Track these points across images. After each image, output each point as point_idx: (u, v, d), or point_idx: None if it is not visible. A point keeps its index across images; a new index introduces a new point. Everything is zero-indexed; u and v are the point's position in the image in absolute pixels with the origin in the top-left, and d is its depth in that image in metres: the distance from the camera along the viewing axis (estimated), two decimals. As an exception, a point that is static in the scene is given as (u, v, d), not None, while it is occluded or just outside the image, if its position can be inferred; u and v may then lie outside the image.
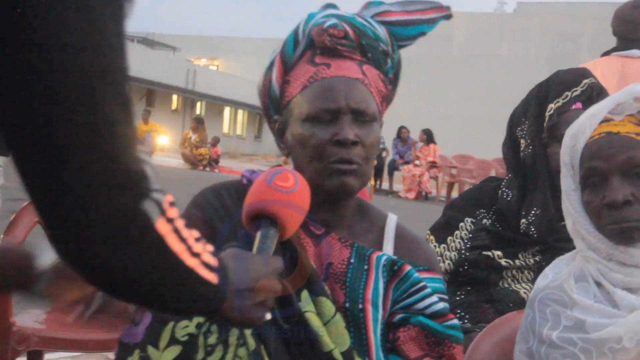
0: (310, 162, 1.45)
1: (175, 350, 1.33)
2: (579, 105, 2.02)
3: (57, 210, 0.85)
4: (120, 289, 0.95)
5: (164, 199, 0.92)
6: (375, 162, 1.56)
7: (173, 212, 0.93)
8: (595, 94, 2.03)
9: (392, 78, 1.56)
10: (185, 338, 1.33)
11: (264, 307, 1.15)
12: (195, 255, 0.97)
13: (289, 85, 1.51)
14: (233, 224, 1.43)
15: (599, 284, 1.44)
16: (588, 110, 1.48)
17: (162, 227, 0.91)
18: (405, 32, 1.54)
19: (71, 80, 0.81)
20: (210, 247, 1.02)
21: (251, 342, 1.36)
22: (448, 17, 1.56)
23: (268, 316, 1.18)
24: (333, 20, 1.48)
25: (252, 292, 1.11)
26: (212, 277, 1.00)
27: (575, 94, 2.03)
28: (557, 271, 1.51)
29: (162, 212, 0.91)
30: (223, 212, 1.47)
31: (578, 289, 1.45)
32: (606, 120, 1.44)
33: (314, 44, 1.50)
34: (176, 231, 0.93)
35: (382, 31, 1.50)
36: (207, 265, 0.99)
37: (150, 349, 1.34)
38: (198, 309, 1.07)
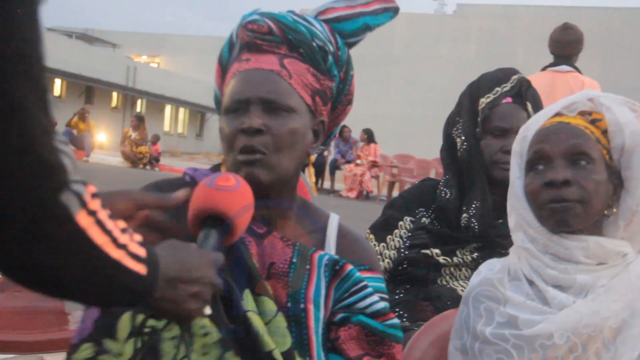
0: (227, 154, 1.47)
1: (138, 341, 1.31)
2: (509, 99, 2.08)
3: None
4: (43, 285, 0.92)
5: (85, 190, 0.88)
6: (313, 159, 1.56)
7: (95, 204, 0.90)
8: (525, 88, 2.08)
9: (342, 76, 1.56)
10: (148, 329, 1.31)
11: (199, 299, 1.13)
12: (121, 246, 0.94)
13: (224, 85, 1.53)
14: (177, 217, 1.41)
15: (531, 282, 1.46)
16: (545, 108, 1.54)
17: (83, 219, 0.87)
18: (350, 27, 1.54)
19: None
20: (138, 237, 0.99)
21: (215, 332, 1.35)
22: (394, 10, 1.56)
23: (207, 311, 1.16)
24: (254, 17, 1.49)
25: (186, 283, 1.09)
26: (139, 268, 0.97)
27: (505, 89, 2.09)
28: (491, 268, 1.54)
29: (83, 204, 0.87)
30: None
31: (511, 286, 1.48)
32: (559, 114, 1.49)
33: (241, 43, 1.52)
34: (99, 223, 0.90)
35: (320, 28, 1.50)
36: (135, 256, 0.96)
37: (108, 342, 1.32)
38: (126, 300, 1.03)
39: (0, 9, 0.78)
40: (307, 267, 1.47)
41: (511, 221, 1.52)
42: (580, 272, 1.42)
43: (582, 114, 1.48)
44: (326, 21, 1.53)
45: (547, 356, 1.40)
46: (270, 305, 1.42)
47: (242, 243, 1.43)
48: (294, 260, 1.47)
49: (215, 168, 1.56)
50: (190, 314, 1.13)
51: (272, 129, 1.43)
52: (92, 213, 0.89)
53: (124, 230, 0.96)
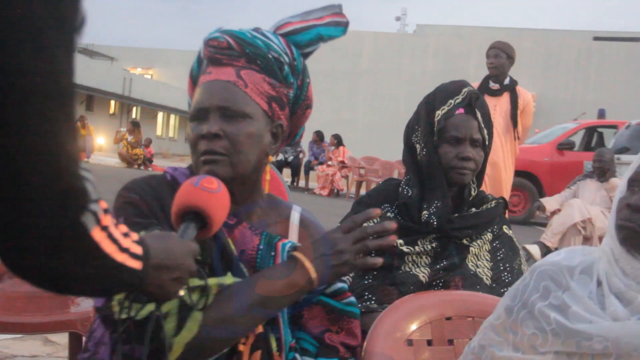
0: (192, 156, 1.48)
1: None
2: (461, 110, 2.08)
3: (0, 222, 0.82)
4: (57, 288, 0.95)
5: (99, 207, 0.91)
6: (271, 159, 1.55)
7: (107, 220, 0.93)
8: (474, 100, 2.09)
9: (299, 83, 1.55)
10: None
11: (179, 282, 1.16)
12: (124, 250, 0.97)
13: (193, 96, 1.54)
14: (163, 209, 1.41)
15: (599, 283, 1.36)
16: None
17: (97, 234, 0.90)
18: (304, 38, 1.54)
19: (23, 104, 0.78)
20: (135, 237, 1.02)
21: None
22: (344, 24, 1.55)
23: (182, 292, 1.20)
24: (215, 34, 1.50)
25: (169, 269, 1.12)
26: (137, 265, 1.00)
27: (457, 101, 2.09)
28: (571, 255, 1.42)
29: (98, 221, 0.90)
30: (152, 194, 1.44)
31: (579, 279, 1.37)
32: None
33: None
34: (109, 236, 0.93)
35: (277, 42, 1.51)
36: (134, 255, 1.00)
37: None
38: (122, 290, 1.11)
39: (40, 46, 0.79)
40: (272, 253, 1.47)
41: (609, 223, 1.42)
42: None
43: None
44: (283, 35, 1.53)
45: (581, 349, 1.30)
46: None
47: (222, 234, 1.44)
48: (261, 247, 1.47)
49: (189, 168, 1.55)
50: (169, 295, 1.17)
51: (228, 133, 1.44)
52: (105, 228, 0.92)
53: (125, 235, 0.99)
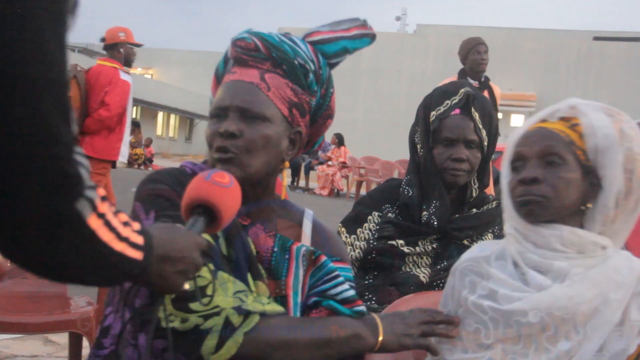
0: (208, 152, 1.48)
1: None
2: (457, 111, 2.08)
3: None
4: (56, 275, 0.95)
5: (96, 194, 0.91)
6: (288, 164, 1.55)
7: (104, 207, 0.92)
8: (471, 100, 2.08)
9: (322, 92, 1.55)
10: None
11: (184, 275, 1.15)
12: (123, 239, 0.97)
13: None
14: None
15: (515, 264, 1.45)
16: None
17: (93, 222, 0.90)
18: (331, 49, 1.54)
19: (16, 92, 0.79)
20: (137, 226, 1.02)
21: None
22: (371, 36, 1.57)
23: (187, 286, 1.18)
24: (243, 35, 1.50)
25: (173, 261, 1.12)
26: (137, 255, 1.00)
27: (454, 101, 2.08)
28: (482, 248, 1.52)
29: (94, 208, 0.90)
30: (179, 184, 1.42)
31: (496, 265, 1.47)
32: (543, 121, 1.48)
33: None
34: (106, 223, 0.93)
35: (304, 48, 1.50)
36: (134, 245, 1.00)
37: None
38: (124, 280, 1.11)
39: (32, 38, 0.80)
40: (287, 256, 1.46)
41: (504, 211, 1.51)
42: (558, 259, 1.41)
43: (564, 119, 1.46)
44: (311, 43, 1.53)
45: (521, 332, 1.38)
46: (264, 289, 1.42)
47: (244, 234, 1.44)
48: (275, 249, 1.47)
49: (205, 163, 1.55)
50: (173, 288, 1.16)
51: (245, 134, 1.43)
52: (101, 215, 0.92)
53: (125, 224, 0.98)
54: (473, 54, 5.65)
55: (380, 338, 1.43)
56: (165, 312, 1.25)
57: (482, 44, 5.68)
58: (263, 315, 1.33)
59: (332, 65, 1.56)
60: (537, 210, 1.41)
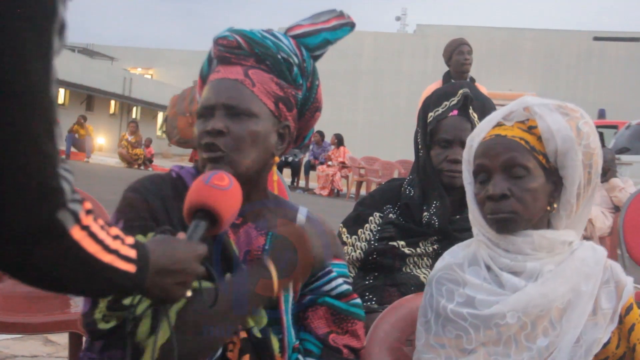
0: (198, 152, 1.48)
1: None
2: (455, 112, 2.08)
3: None
4: (41, 283, 0.96)
5: (81, 208, 0.92)
6: (277, 159, 1.54)
7: (89, 220, 0.94)
8: (470, 101, 2.09)
9: (308, 85, 1.55)
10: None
11: (184, 286, 1.16)
12: (112, 251, 0.98)
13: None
14: (166, 208, 1.41)
15: (488, 268, 1.47)
16: (487, 116, 1.53)
17: (76, 233, 0.92)
18: (312, 41, 1.54)
19: (0, 106, 0.80)
20: (130, 240, 1.03)
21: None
22: (351, 25, 1.57)
23: (188, 293, 1.18)
24: (225, 33, 1.50)
25: (172, 273, 1.13)
26: (129, 268, 1.01)
27: (452, 103, 2.09)
28: (454, 255, 1.54)
29: (78, 220, 0.92)
30: (156, 192, 1.43)
31: (470, 271, 1.48)
32: (499, 125, 1.48)
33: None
34: (91, 235, 0.95)
35: (287, 42, 1.51)
36: (125, 258, 1.01)
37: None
38: (119, 293, 1.14)
39: (14, 52, 0.81)
40: None
41: (470, 216, 1.53)
42: (529, 260, 1.44)
43: (521, 123, 1.47)
44: (293, 37, 1.53)
45: (501, 333, 1.41)
46: None
47: (223, 234, 1.43)
48: (267, 247, 1.46)
49: (196, 164, 1.54)
50: (174, 299, 1.18)
51: (233, 131, 1.43)
52: (85, 227, 0.93)
53: (115, 237, 1.00)
54: (456, 54, 5.56)
55: (274, 273, 1.36)
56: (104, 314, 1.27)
57: (465, 44, 5.59)
58: (195, 291, 1.25)
59: (315, 58, 1.56)
60: (509, 225, 1.43)
